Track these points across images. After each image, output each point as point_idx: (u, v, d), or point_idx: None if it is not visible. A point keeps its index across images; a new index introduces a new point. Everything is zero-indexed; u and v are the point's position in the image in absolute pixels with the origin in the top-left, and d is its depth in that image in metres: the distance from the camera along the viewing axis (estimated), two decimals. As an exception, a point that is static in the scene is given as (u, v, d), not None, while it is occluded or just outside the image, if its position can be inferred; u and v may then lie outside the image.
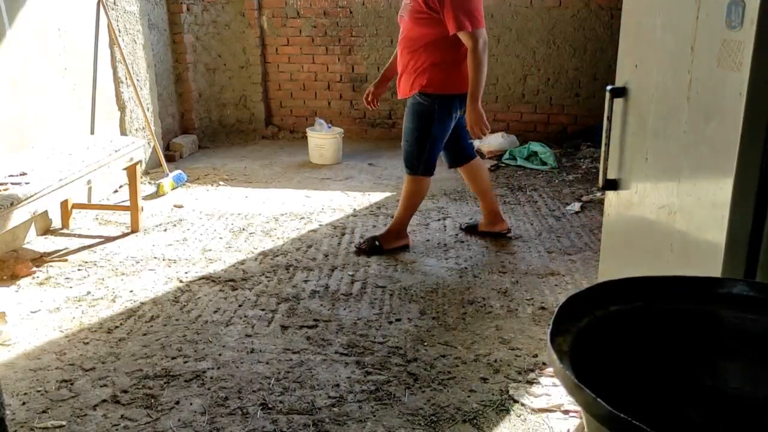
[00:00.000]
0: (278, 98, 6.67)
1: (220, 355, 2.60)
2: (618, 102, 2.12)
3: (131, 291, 3.19)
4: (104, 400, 2.30)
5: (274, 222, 4.18)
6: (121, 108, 4.89)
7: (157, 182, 4.83)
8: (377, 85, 3.74)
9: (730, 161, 1.45)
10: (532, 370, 2.48)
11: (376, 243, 3.61)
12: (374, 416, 2.20)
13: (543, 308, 2.98)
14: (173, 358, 2.57)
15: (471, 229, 3.92)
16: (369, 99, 3.74)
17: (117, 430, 2.15)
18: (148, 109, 5.16)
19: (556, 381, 2.31)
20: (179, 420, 2.19)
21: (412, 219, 4.20)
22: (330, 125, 5.74)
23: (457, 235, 3.92)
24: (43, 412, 2.24)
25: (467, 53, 3.22)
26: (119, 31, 4.80)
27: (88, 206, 4.26)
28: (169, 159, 5.54)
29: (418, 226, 4.09)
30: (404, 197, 3.62)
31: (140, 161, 4.07)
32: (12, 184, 3.06)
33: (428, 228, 4.06)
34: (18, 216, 2.96)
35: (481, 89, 3.26)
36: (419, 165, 3.50)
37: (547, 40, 6.04)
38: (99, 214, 4.27)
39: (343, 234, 3.96)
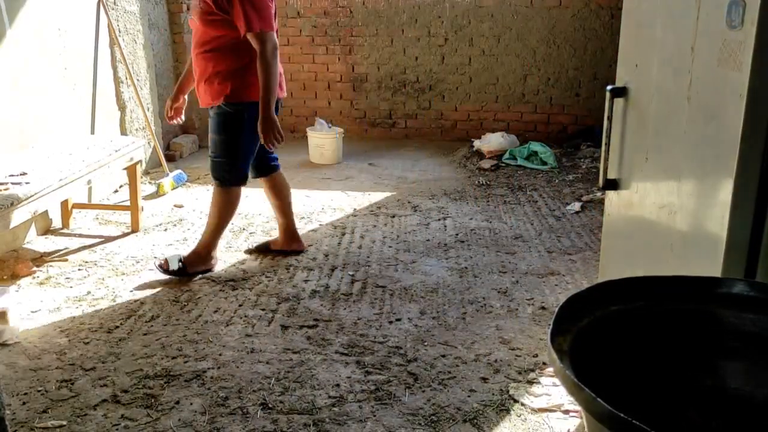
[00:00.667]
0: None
1: (220, 354, 2.60)
2: (618, 102, 2.12)
3: (131, 291, 3.19)
4: (104, 400, 2.30)
5: (274, 222, 4.17)
6: (122, 108, 4.89)
7: (157, 182, 4.83)
8: (174, 98, 3.48)
9: (731, 161, 1.45)
10: (533, 370, 2.48)
11: (180, 264, 3.30)
12: (374, 416, 2.20)
13: (543, 308, 2.99)
14: (173, 358, 2.58)
15: (263, 249, 3.64)
16: (170, 115, 3.48)
17: (117, 429, 2.15)
18: (148, 109, 5.16)
19: (557, 381, 2.31)
20: (179, 420, 2.19)
21: (413, 219, 4.20)
22: (330, 125, 5.74)
23: (457, 235, 3.92)
24: (44, 411, 2.24)
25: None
26: (119, 31, 4.80)
27: (88, 206, 4.26)
28: (170, 159, 5.54)
29: (418, 225, 4.09)
30: (215, 212, 3.32)
31: (140, 161, 4.07)
32: (12, 184, 3.06)
33: (428, 228, 4.06)
34: (18, 216, 2.96)
35: (272, 96, 3.03)
36: (230, 176, 3.25)
37: (548, 40, 6.05)
38: (99, 214, 4.28)
39: (344, 234, 3.96)
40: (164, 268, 3.30)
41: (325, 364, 2.52)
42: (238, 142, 3.20)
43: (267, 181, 3.51)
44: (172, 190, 4.85)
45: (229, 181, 3.27)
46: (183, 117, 3.55)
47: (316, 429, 2.14)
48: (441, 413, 2.22)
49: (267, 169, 3.48)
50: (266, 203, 4.53)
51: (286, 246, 3.62)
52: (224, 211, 3.33)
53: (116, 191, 4.76)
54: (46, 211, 3.75)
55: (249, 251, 3.66)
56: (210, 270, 3.37)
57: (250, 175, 3.39)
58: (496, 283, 3.26)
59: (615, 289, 1.31)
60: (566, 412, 2.23)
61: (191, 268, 3.32)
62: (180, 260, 3.32)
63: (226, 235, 3.94)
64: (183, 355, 2.60)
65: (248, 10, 2.94)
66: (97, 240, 3.86)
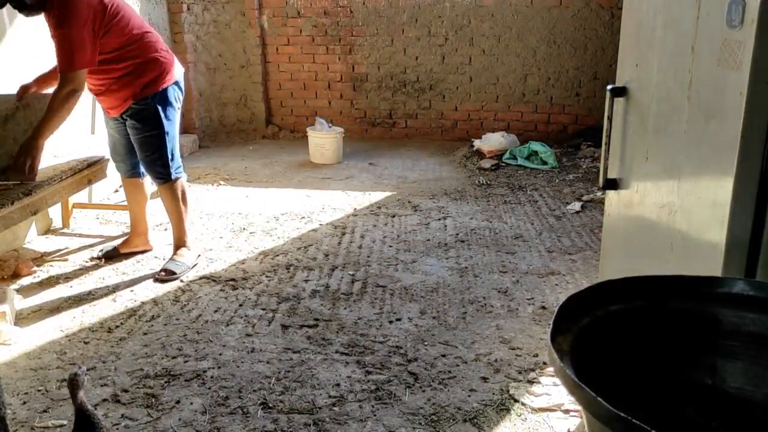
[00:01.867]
0: (279, 98, 6.67)
1: (220, 354, 2.60)
2: (618, 101, 2.13)
3: (132, 290, 3.19)
4: (105, 400, 2.30)
5: (275, 221, 4.18)
6: (122, 107, 4.88)
7: (157, 182, 4.83)
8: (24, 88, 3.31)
9: (731, 160, 1.45)
10: (533, 370, 2.48)
11: (174, 273, 3.31)
12: (375, 415, 2.20)
13: (543, 308, 2.99)
14: (174, 358, 2.58)
15: (111, 254, 3.55)
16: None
17: (118, 429, 2.15)
18: (148, 109, 5.16)
19: (557, 380, 2.31)
20: (180, 419, 2.19)
21: (413, 218, 4.21)
22: (330, 124, 5.74)
23: (457, 234, 3.92)
24: (44, 411, 2.24)
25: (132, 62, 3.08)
26: (120, 31, 4.79)
27: (88, 206, 4.26)
28: (170, 158, 5.53)
29: (418, 225, 4.09)
30: (173, 208, 3.37)
31: (141, 161, 4.06)
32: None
33: (429, 227, 4.06)
34: (19, 215, 2.96)
35: (49, 129, 2.99)
36: (170, 169, 3.29)
37: (548, 40, 6.05)
38: (99, 214, 4.28)
39: (344, 233, 3.96)
40: (168, 275, 3.28)
41: (325, 363, 2.52)
42: (161, 133, 3.21)
43: (128, 182, 3.54)
44: (172, 189, 4.84)
45: (170, 175, 3.31)
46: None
47: (316, 428, 2.14)
48: (441, 413, 2.22)
49: (134, 172, 3.49)
50: (266, 203, 4.54)
51: (132, 247, 3.62)
52: (181, 202, 3.38)
53: (116, 191, 4.76)
54: (47, 210, 3.75)
55: (99, 257, 3.53)
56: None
57: (124, 171, 3.48)
58: (497, 282, 3.26)
59: (615, 289, 1.31)
60: (566, 411, 2.23)
61: (190, 260, 3.42)
62: (173, 271, 3.31)
63: (226, 234, 3.94)
64: (183, 355, 2.60)
65: (60, 47, 2.93)
66: (98, 239, 3.86)
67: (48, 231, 3.97)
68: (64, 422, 2.17)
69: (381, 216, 4.29)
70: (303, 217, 4.23)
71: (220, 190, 4.91)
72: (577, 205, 4.42)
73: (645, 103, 1.97)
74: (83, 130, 4.38)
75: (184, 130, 6.14)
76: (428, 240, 3.85)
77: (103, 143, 3.66)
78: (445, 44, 6.23)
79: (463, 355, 2.58)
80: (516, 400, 2.29)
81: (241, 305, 3.02)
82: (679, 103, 1.71)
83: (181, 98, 3.35)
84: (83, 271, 3.42)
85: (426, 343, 2.68)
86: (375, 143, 6.32)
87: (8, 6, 2.96)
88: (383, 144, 6.29)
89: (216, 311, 2.97)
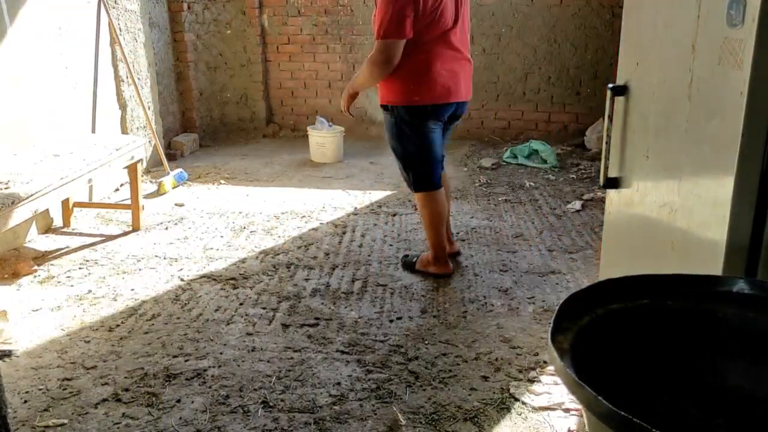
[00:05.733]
0: (279, 96, 6.67)
1: (221, 353, 2.60)
2: (619, 100, 2.12)
3: (132, 289, 3.19)
4: (105, 399, 2.30)
5: (275, 220, 4.18)
6: (122, 107, 4.89)
7: (158, 181, 4.83)
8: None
9: (731, 159, 1.45)
10: (533, 369, 2.48)
11: (414, 259, 3.37)
12: (375, 414, 2.20)
13: (544, 307, 2.98)
14: (174, 357, 2.58)
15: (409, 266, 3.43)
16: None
17: (118, 428, 2.15)
18: (149, 108, 5.17)
19: (557, 379, 2.31)
20: (180, 418, 2.19)
21: (414, 217, 4.21)
22: (331, 123, 5.74)
23: (458, 233, 3.92)
24: (45, 410, 2.24)
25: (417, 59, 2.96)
26: (120, 30, 4.80)
27: (89, 205, 4.27)
28: (170, 157, 5.54)
29: (419, 224, 4.09)
30: (424, 219, 3.27)
31: (141, 160, 4.07)
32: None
33: (429, 226, 4.06)
34: (19, 214, 2.97)
35: (358, 83, 3.13)
36: (416, 183, 3.21)
37: (548, 38, 6.04)
38: (100, 213, 4.28)
39: (344, 233, 3.96)
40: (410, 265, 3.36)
41: (326, 362, 2.53)
42: (407, 148, 3.14)
43: None
44: (172, 188, 4.85)
45: (417, 187, 3.18)
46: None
47: (317, 427, 2.14)
48: (442, 411, 2.22)
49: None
50: (267, 202, 4.55)
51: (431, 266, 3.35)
52: (428, 213, 3.20)
53: (117, 190, 4.76)
54: (47, 209, 3.75)
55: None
56: (448, 274, 3.30)
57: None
58: (497, 281, 3.26)
59: (615, 288, 1.31)
60: (567, 410, 2.23)
61: (423, 266, 3.33)
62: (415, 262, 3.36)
63: (227, 233, 3.94)
64: (184, 354, 2.60)
65: (383, 16, 2.85)
66: (98, 239, 3.87)
67: (48, 230, 3.97)
68: (65, 421, 2.18)
69: (382, 215, 4.29)
70: (303, 216, 4.23)
71: (221, 189, 4.91)
72: (577, 204, 4.42)
73: (645, 102, 1.96)
74: (84, 129, 4.39)
75: (185, 129, 6.15)
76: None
77: (104, 142, 3.65)
78: (445, 43, 6.22)
79: (463, 354, 2.58)
80: (516, 399, 2.29)
81: (241, 304, 3.02)
82: (680, 102, 1.71)
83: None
84: (84, 269, 3.42)
85: (426, 342, 2.68)
86: (376, 142, 6.32)
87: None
88: (384, 143, 6.28)
89: (216, 310, 2.97)
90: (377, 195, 4.72)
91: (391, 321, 2.85)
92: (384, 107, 3.14)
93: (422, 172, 3.16)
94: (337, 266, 3.45)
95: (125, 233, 3.95)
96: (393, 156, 3.29)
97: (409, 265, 3.39)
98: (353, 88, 3.19)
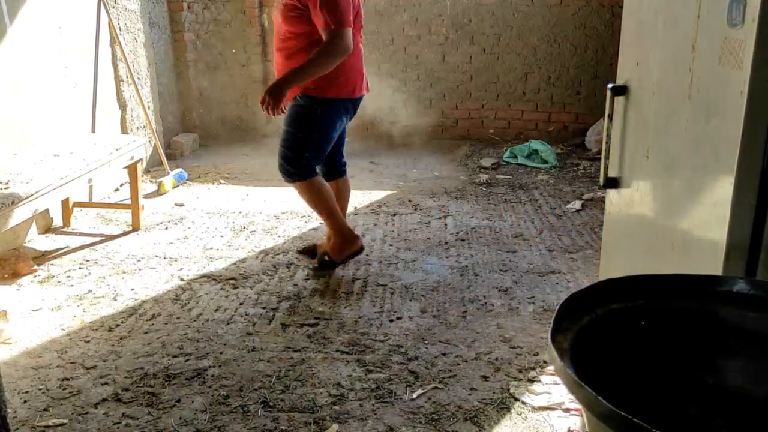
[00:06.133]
0: (279, 96, 6.66)
1: (221, 353, 2.60)
2: (619, 100, 2.12)
3: (132, 289, 3.19)
4: (105, 399, 2.30)
5: (275, 220, 4.18)
6: (122, 106, 4.89)
7: (158, 180, 4.83)
8: None
9: (731, 159, 1.45)
10: (533, 369, 2.48)
11: (325, 258, 3.34)
12: (375, 414, 2.20)
13: (544, 307, 2.98)
14: (174, 357, 2.58)
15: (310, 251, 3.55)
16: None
17: (118, 428, 2.15)
18: (149, 108, 5.16)
19: (557, 379, 2.31)
20: (180, 418, 2.19)
21: (414, 217, 4.21)
22: (331, 123, 5.72)
23: (458, 233, 3.92)
24: (45, 410, 2.24)
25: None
26: (120, 30, 4.80)
27: (89, 204, 4.27)
28: (170, 157, 5.54)
29: (419, 224, 4.09)
30: (312, 205, 3.30)
31: (141, 159, 4.08)
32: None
33: (429, 226, 4.06)
34: (19, 214, 2.97)
35: (299, 77, 2.98)
36: (296, 171, 3.17)
37: (548, 38, 6.04)
38: (100, 213, 4.28)
39: (344, 232, 3.96)
40: (314, 267, 3.34)
41: (325, 362, 2.53)
42: (307, 138, 3.13)
43: (332, 185, 3.37)
44: (172, 188, 4.85)
45: (295, 176, 3.18)
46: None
47: (317, 427, 2.14)
48: (442, 411, 2.22)
49: (335, 173, 3.43)
50: (267, 202, 4.54)
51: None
52: (316, 200, 3.24)
53: (117, 190, 4.76)
54: (47, 209, 3.75)
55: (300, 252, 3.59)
56: (360, 249, 3.35)
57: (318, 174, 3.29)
58: (497, 281, 3.26)
59: (615, 288, 1.31)
60: (567, 410, 2.23)
61: (339, 256, 3.33)
62: (325, 255, 3.33)
63: (227, 233, 3.94)
64: (184, 354, 2.60)
65: (332, 6, 2.90)
66: (98, 238, 3.86)
67: (48, 230, 3.97)
68: (65, 421, 2.18)
69: (381, 215, 4.29)
70: (303, 216, 4.23)
71: (221, 188, 4.91)
72: (577, 204, 4.42)
73: (645, 102, 1.96)
74: (84, 129, 4.39)
75: (185, 129, 6.15)
76: (429, 239, 3.85)
77: (104, 142, 3.65)
78: (445, 43, 6.23)
79: (463, 354, 2.58)
80: (516, 399, 2.29)
81: (241, 304, 3.02)
82: (680, 102, 1.71)
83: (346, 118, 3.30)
84: (84, 269, 3.42)
85: (426, 341, 2.68)
86: (375, 142, 6.32)
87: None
88: (384, 143, 6.29)
89: (216, 310, 2.97)
90: (377, 195, 4.72)
91: (391, 321, 2.85)
92: (303, 96, 3.09)
93: (312, 160, 3.18)
94: (336, 266, 3.45)
95: (125, 233, 3.95)
96: (281, 141, 3.19)
97: (327, 263, 3.34)
98: (298, 81, 3.01)
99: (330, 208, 3.25)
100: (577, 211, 4.32)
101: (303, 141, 3.13)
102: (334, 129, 3.20)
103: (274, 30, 3.19)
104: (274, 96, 2.98)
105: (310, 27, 3.00)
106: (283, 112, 3.07)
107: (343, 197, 3.48)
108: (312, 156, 3.17)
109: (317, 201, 3.24)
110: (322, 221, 3.48)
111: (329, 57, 2.97)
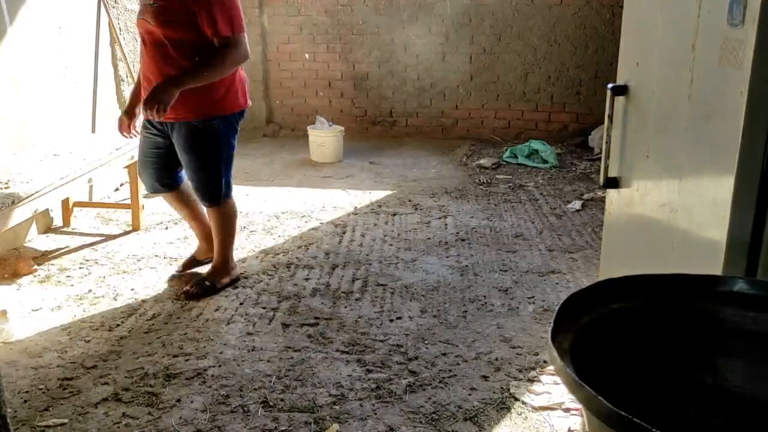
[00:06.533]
0: (279, 96, 6.67)
1: (221, 353, 2.60)
2: (619, 100, 2.12)
3: (132, 289, 3.19)
4: (105, 398, 2.30)
5: (275, 220, 4.18)
6: (122, 106, 4.88)
7: (158, 180, 4.82)
8: (128, 112, 3.15)
9: (731, 159, 1.45)
10: (533, 369, 2.48)
11: (207, 284, 3.11)
12: (375, 414, 2.21)
13: (544, 307, 2.98)
14: (174, 356, 2.58)
15: (191, 264, 3.39)
16: (124, 128, 3.15)
17: (118, 428, 2.15)
18: (149, 108, 5.16)
19: (557, 379, 2.31)
20: (180, 418, 2.19)
21: (414, 217, 4.21)
22: (331, 123, 5.74)
23: (458, 233, 3.92)
24: (45, 410, 2.24)
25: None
26: (120, 30, 4.80)
27: (89, 204, 4.27)
28: (170, 157, 5.53)
29: (419, 224, 4.09)
30: (218, 229, 3.14)
31: (141, 159, 4.07)
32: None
33: (429, 226, 4.06)
34: (19, 214, 2.97)
35: (194, 80, 2.79)
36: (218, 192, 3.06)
37: (549, 38, 6.04)
38: (100, 212, 4.28)
39: (344, 232, 3.96)
40: (194, 293, 3.07)
41: (326, 362, 2.53)
42: (220, 157, 2.99)
43: (174, 194, 3.21)
44: (172, 188, 4.84)
45: (225, 195, 3.08)
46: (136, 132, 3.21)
47: (317, 427, 2.14)
48: (442, 411, 2.22)
49: (177, 182, 3.20)
50: (267, 201, 4.54)
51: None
52: (232, 222, 3.17)
53: (117, 189, 4.76)
54: (48, 209, 3.76)
55: (177, 273, 3.34)
56: (238, 278, 3.24)
57: (152, 189, 3.18)
58: (497, 281, 3.26)
59: (616, 288, 1.31)
60: (567, 410, 2.23)
61: (220, 282, 3.15)
62: (206, 281, 3.12)
63: (227, 233, 3.94)
64: (184, 354, 2.60)
65: (228, 12, 2.78)
66: (98, 238, 3.86)
67: (49, 230, 3.97)
68: (65, 421, 2.18)
69: (381, 214, 4.29)
70: (303, 216, 4.23)
71: (221, 188, 4.90)
72: (577, 204, 4.42)
73: (645, 102, 1.97)
74: (84, 129, 4.39)
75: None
76: (429, 238, 3.85)
77: (104, 141, 3.64)
78: (445, 42, 6.23)
79: (463, 354, 2.58)
80: (516, 399, 2.29)
81: (241, 304, 3.02)
82: (680, 102, 1.71)
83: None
84: (84, 269, 3.42)
85: (426, 341, 2.68)
86: (375, 142, 6.32)
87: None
88: (384, 142, 6.29)
89: (216, 310, 2.97)
90: (377, 195, 4.72)
91: (391, 321, 2.85)
92: (202, 121, 2.90)
93: (229, 179, 3.10)
94: (337, 266, 3.45)
95: (125, 233, 3.95)
96: (193, 171, 3.01)
97: (210, 289, 3.11)
98: (191, 84, 2.79)
99: (234, 233, 3.21)
100: (578, 211, 4.32)
101: (216, 162, 3.00)
102: (236, 139, 3.08)
103: (140, 35, 2.90)
104: (166, 98, 2.72)
105: (195, 33, 2.79)
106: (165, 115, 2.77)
107: (196, 202, 3.25)
108: (229, 173, 3.08)
109: (233, 223, 3.17)
110: (216, 245, 3.20)
111: (230, 66, 2.89)
